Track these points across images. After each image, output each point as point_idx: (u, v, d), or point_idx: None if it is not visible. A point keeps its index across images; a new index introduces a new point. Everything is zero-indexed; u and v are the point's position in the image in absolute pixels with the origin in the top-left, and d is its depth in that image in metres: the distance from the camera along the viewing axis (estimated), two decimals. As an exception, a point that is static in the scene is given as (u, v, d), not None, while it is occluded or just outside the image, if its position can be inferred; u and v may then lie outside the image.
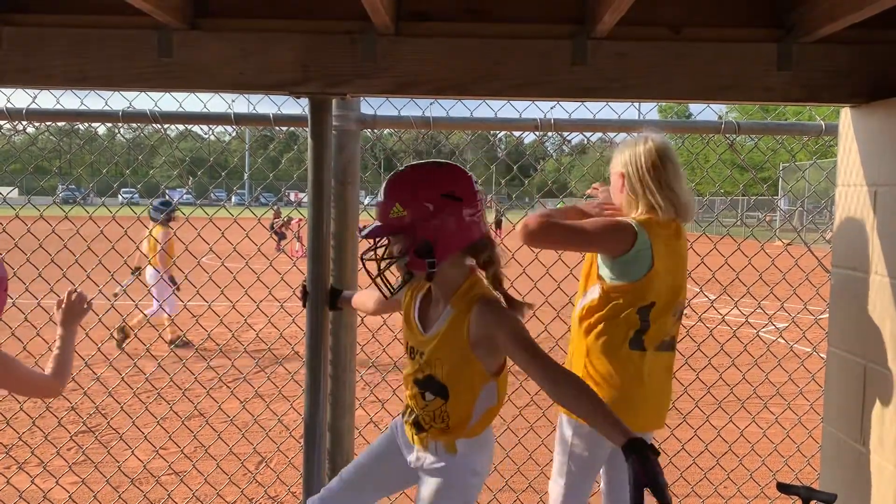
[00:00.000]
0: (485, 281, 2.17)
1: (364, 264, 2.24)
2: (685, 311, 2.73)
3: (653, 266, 2.47)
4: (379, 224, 2.11)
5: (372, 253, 2.17)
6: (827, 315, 2.79)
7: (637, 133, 2.70)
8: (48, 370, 2.28)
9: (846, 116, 2.61)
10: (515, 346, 1.98)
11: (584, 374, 2.53)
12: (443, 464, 2.18)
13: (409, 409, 2.25)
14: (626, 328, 2.50)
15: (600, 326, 2.53)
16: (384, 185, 2.14)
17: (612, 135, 3.26)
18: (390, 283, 2.20)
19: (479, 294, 2.11)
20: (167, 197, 9.51)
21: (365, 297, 2.66)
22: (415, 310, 2.26)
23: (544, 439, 3.89)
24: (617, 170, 2.62)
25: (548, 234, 2.44)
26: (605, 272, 2.54)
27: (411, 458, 2.26)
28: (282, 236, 21.77)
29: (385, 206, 2.10)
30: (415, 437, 2.23)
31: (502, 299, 2.14)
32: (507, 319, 2.05)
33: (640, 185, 2.56)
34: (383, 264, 2.15)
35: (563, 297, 3.75)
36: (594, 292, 2.56)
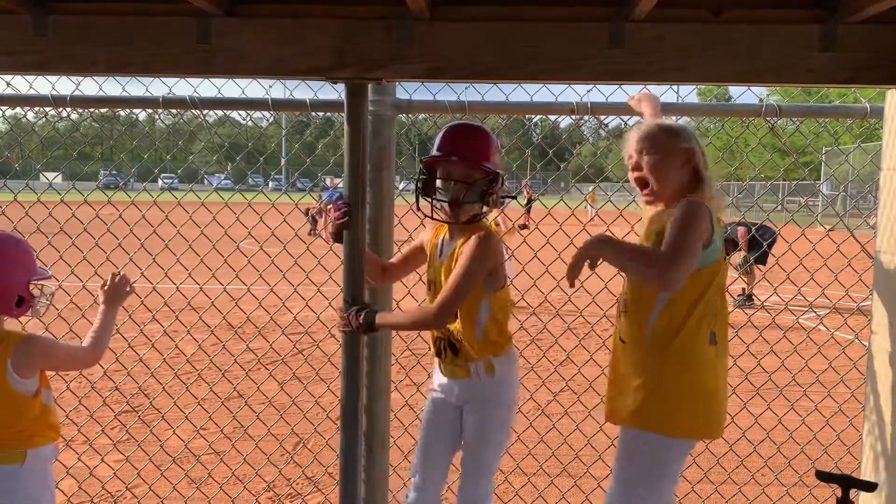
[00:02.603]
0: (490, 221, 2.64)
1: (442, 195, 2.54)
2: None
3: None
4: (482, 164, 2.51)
5: (463, 185, 2.51)
6: (869, 302, 2.74)
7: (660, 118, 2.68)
8: (85, 342, 2.38)
9: (892, 98, 2.55)
10: (460, 267, 2.44)
11: (666, 371, 2.31)
12: (488, 385, 2.54)
13: (441, 345, 2.58)
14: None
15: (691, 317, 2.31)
16: (477, 132, 2.57)
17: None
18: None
19: (478, 227, 2.52)
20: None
21: (373, 261, 2.76)
22: (438, 248, 2.63)
23: (579, 424, 3.88)
24: (683, 145, 2.39)
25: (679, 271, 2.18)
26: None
27: (458, 395, 2.58)
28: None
29: (483, 155, 2.52)
30: (456, 368, 2.56)
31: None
32: (478, 250, 2.42)
33: (705, 169, 2.40)
34: (468, 197, 2.51)
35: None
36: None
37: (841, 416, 4.00)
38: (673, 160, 2.38)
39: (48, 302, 2.30)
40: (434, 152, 2.56)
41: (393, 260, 2.85)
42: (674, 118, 2.88)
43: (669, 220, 2.27)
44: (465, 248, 2.46)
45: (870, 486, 2.33)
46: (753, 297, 10.28)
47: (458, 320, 2.50)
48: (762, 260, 9.81)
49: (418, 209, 2.60)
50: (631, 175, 2.46)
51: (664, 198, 2.42)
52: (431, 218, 2.59)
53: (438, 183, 2.55)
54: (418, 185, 2.58)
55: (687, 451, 2.39)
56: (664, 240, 2.23)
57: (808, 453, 4.01)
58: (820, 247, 3.78)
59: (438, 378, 2.67)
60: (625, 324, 2.43)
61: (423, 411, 2.70)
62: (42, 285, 2.29)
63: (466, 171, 2.51)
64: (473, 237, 2.45)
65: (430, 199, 2.55)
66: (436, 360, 2.66)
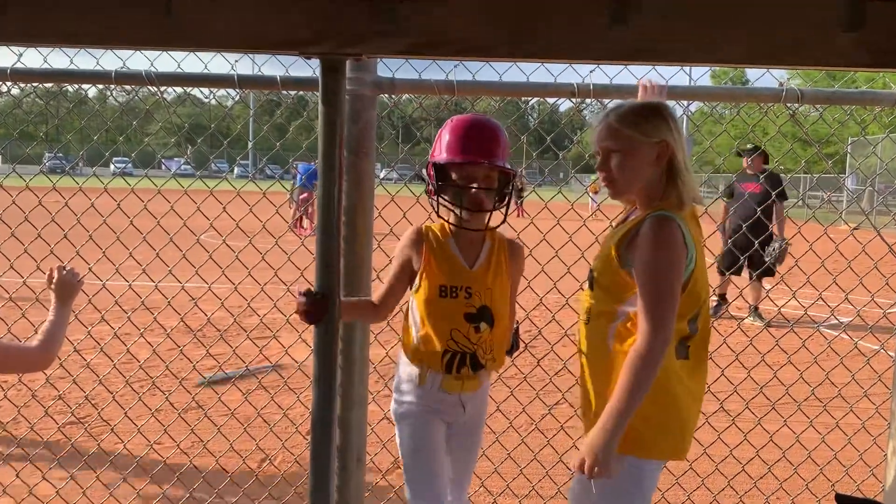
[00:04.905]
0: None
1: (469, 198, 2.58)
2: (736, 303, 2.69)
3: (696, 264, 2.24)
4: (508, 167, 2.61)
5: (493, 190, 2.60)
6: (896, 308, 2.77)
7: (641, 98, 2.67)
8: (34, 341, 2.34)
9: (924, 84, 2.57)
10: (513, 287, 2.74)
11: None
12: (484, 390, 2.71)
13: (457, 357, 2.57)
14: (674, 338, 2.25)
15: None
16: (496, 130, 2.62)
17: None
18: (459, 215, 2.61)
19: (502, 234, 2.72)
20: None
21: (362, 303, 2.78)
22: (453, 250, 2.65)
23: (577, 440, 3.90)
24: (655, 138, 2.30)
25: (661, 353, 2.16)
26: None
27: (463, 409, 2.65)
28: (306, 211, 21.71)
29: (503, 153, 2.59)
30: (468, 382, 2.61)
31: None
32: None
33: (683, 163, 2.31)
34: (499, 198, 2.62)
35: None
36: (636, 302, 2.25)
37: (864, 434, 4.04)
38: (641, 157, 2.31)
39: None
40: (447, 154, 2.57)
41: (382, 293, 2.73)
42: (685, 103, 2.90)
43: (632, 252, 2.23)
44: (521, 265, 2.76)
45: (894, 511, 2.36)
46: (722, 302, 9.09)
47: (497, 331, 2.62)
48: (766, 272, 9.14)
49: (438, 214, 2.64)
50: (598, 173, 2.41)
51: (632, 196, 2.39)
52: (462, 227, 2.61)
53: (454, 186, 2.58)
54: (433, 188, 2.60)
55: (653, 472, 2.32)
56: (639, 296, 2.19)
57: (828, 475, 4.06)
58: (843, 247, 3.82)
59: (433, 394, 2.62)
60: (585, 333, 2.39)
61: (412, 431, 2.64)
62: None
63: (493, 173, 2.60)
64: (516, 247, 2.73)
65: (461, 207, 2.57)
66: (427, 374, 2.61)
